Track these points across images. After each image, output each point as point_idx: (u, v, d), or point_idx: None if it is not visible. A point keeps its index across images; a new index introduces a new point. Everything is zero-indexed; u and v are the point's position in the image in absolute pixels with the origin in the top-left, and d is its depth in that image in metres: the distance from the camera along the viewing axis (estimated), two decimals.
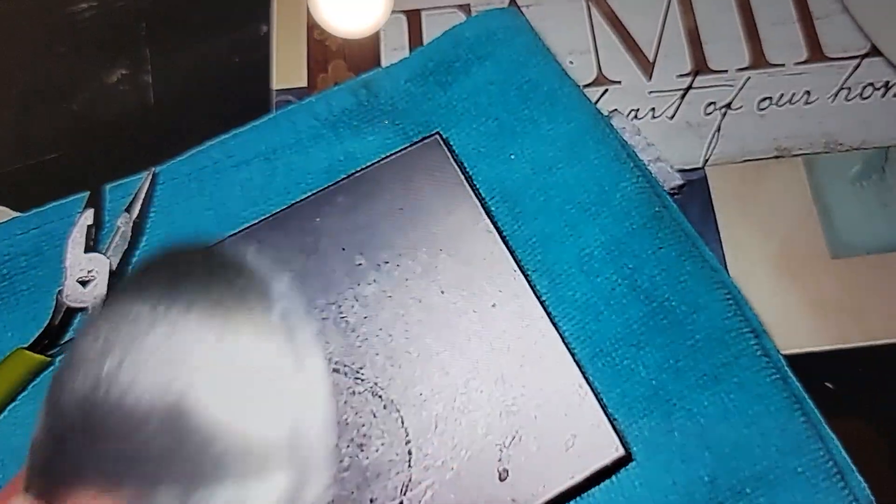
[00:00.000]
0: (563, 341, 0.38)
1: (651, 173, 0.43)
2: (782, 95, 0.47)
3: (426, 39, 0.50)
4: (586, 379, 0.37)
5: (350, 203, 0.42)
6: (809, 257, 0.43)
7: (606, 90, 0.48)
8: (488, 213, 0.41)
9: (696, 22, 0.50)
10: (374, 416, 0.37)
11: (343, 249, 0.41)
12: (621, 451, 0.36)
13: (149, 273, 0.24)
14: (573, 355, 0.38)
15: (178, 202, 0.44)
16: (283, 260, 0.41)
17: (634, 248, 0.40)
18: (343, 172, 0.44)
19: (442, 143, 0.42)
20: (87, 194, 0.44)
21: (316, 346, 0.23)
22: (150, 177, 0.44)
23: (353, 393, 0.38)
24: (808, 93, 0.47)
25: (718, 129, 0.47)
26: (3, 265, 0.43)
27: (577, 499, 0.36)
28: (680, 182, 0.44)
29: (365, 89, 0.46)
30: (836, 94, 0.47)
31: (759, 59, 0.48)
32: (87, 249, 0.42)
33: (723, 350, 0.38)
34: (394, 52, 0.50)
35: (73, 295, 0.41)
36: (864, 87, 0.47)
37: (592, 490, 0.36)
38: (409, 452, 0.37)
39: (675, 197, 0.44)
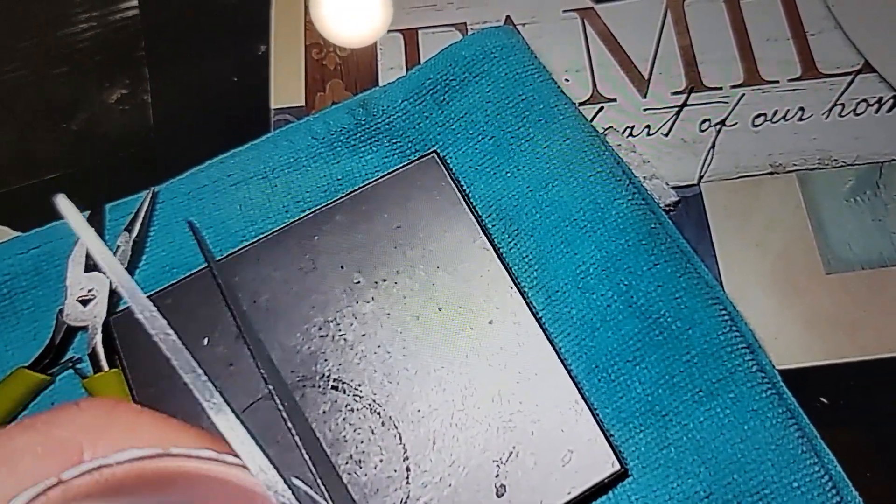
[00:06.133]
0: (560, 357, 0.38)
1: (646, 190, 0.43)
2: (776, 112, 0.48)
3: (423, 58, 0.51)
4: (582, 395, 0.37)
5: (348, 222, 0.42)
6: (804, 273, 0.44)
7: (602, 107, 0.49)
8: (485, 230, 0.41)
9: (690, 40, 0.50)
10: (373, 432, 0.38)
11: (341, 268, 0.41)
12: (617, 467, 0.36)
13: None
14: (569, 371, 0.38)
15: (178, 221, 0.45)
16: (282, 279, 0.41)
17: (630, 264, 0.40)
18: (341, 191, 0.44)
19: (439, 161, 0.43)
20: (87, 213, 0.45)
21: None
22: (150, 196, 0.45)
23: (352, 410, 0.38)
24: (801, 109, 0.47)
25: (713, 146, 0.47)
26: (3, 284, 0.44)
27: None
28: (675, 199, 0.44)
29: (362, 108, 0.46)
30: (830, 111, 0.47)
31: (753, 76, 0.49)
32: (88, 269, 0.42)
33: (718, 365, 0.38)
34: (391, 70, 0.51)
35: (74, 314, 0.41)
36: (858, 103, 0.47)
37: None
38: (408, 469, 0.37)
39: (671, 213, 0.44)
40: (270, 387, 0.36)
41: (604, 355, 0.39)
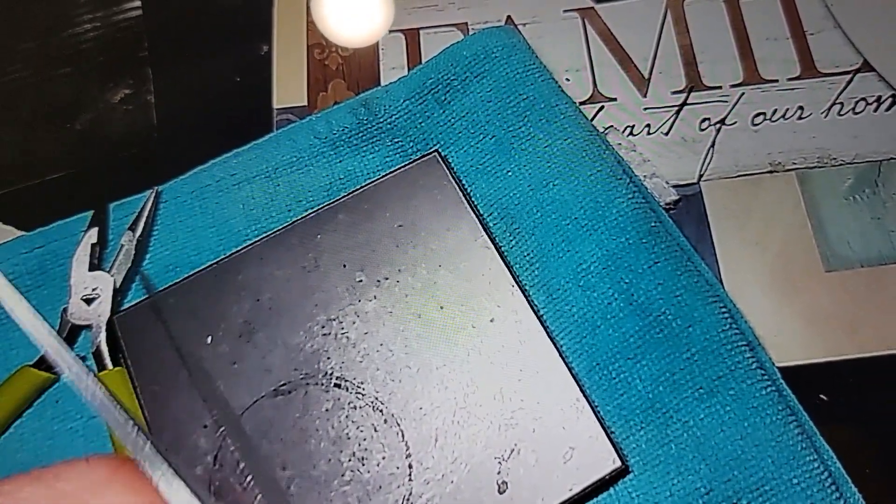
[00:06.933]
0: (561, 355, 0.38)
1: (646, 189, 0.44)
2: (776, 111, 0.48)
3: (425, 58, 0.51)
4: (583, 392, 0.38)
5: (350, 220, 0.42)
6: (803, 271, 0.44)
7: (602, 107, 0.49)
8: (486, 229, 0.41)
9: (690, 39, 0.50)
10: (375, 430, 0.38)
11: (344, 266, 0.41)
12: (618, 464, 0.36)
13: None
14: (570, 369, 0.38)
15: (181, 220, 0.45)
16: (285, 277, 0.41)
17: (630, 262, 0.40)
18: (343, 190, 0.44)
19: (441, 160, 0.43)
20: (91, 213, 0.45)
21: None
22: (154, 195, 0.45)
23: (355, 407, 0.38)
24: (801, 108, 0.48)
25: (713, 145, 0.47)
26: None
27: None
28: (675, 197, 0.44)
29: (364, 108, 0.46)
30: (829, 109, 0.47)
31: (752, 75, 0.49)
32: (92, 268, 0.43)
33: (718, 363, 0.38)
34: (392, 70, 0.51)
35: (78, 313, 0.42)
36: (857, 102, 0.48)
37: (590, 502, 0.37)
38: (410, 466, 0.37)
39: (671, 212, 0.44)
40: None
41: (605, 353, 0.39)
